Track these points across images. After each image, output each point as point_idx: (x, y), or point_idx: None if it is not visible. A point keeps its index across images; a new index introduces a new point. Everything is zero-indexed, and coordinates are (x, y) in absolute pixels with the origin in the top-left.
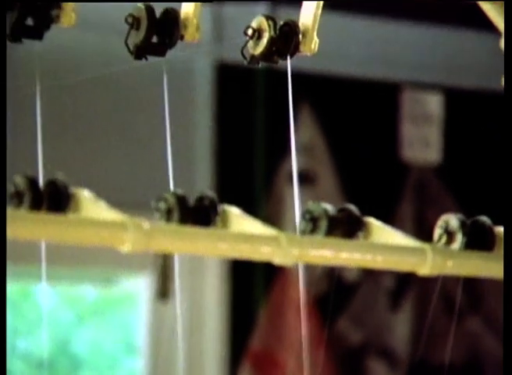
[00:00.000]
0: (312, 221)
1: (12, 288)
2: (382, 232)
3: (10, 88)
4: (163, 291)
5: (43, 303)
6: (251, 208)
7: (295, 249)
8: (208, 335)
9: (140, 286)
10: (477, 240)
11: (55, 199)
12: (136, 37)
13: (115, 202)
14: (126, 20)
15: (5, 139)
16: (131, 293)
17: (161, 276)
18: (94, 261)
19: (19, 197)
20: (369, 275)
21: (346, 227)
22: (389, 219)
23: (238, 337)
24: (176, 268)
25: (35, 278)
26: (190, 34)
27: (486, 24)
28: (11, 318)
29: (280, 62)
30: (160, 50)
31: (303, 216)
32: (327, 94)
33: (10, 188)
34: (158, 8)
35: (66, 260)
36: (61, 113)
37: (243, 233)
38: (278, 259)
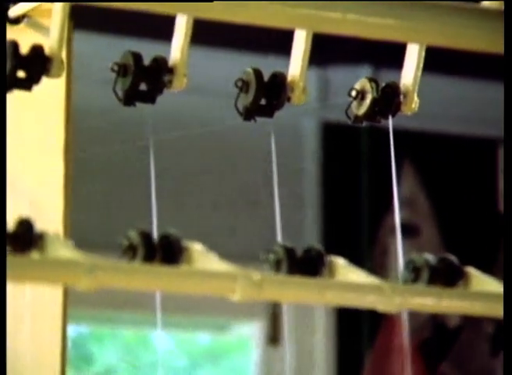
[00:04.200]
0: (414, 271)
1: (129, 334)
2: (481, 281)
3: (123, 148)
4: (274, 336)
5: (159, 348)
6: (357, 259)
7: (398, 297)
8: None
9: (251, 332)
10: None
11: (168, 252)
12: (246, 100)
13: (226, 254)
14: (235, 84)
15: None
16: (243, 339)
17: (271, 323)
18: (208, 309)
19: (132, 250)
20: (470, 321)
21: (446, 276)
22: (488, 268)
23: None
24: (286, 315)
25: (152, 325)
26: (297, 96)
27: None
28: (129, 362)
29: (382, 121)
30: (268, 111)
31: (405, 266)
32: (427, 151)
33: (124, 242)
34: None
35: (181, 308)
36: (173, 171)
37: (349, 282)
38: (382, 307)
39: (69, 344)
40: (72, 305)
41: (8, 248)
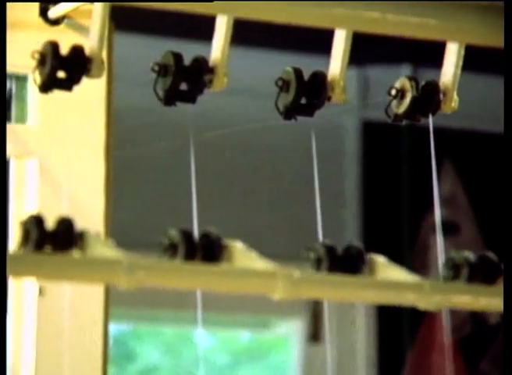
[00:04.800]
0: (454, 268)
1: (171, 332)
2: None
3: (164, 147)
4: (314, 334)
5: (200, 346)
6: (397, 257)
7: (438, 295)
8: None
9: (292, 330)
10: None
11: (208, 250)
12: (286, 99)
13: (266, 253)
14: (276, 83)
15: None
16: (284, 336)
17: (312, 320)
18: (249, 306)
19: (173, 249)
20: None
21: (486, 274)
22: None
23: None
24: (326, 312)
25: (193, 323)
26: (337, 95)
27: None
28: (171, 359)
29: (422, 119)
30: (308, 110)
31: (445, 264)
32: (467, 149)
33: (164, 241)
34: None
35: (222, 306)
36: (214, 170)
37: (389, 280)
38: (422, 305)
39: (111, 342)
40: (114, 303)
41: (48, 247)
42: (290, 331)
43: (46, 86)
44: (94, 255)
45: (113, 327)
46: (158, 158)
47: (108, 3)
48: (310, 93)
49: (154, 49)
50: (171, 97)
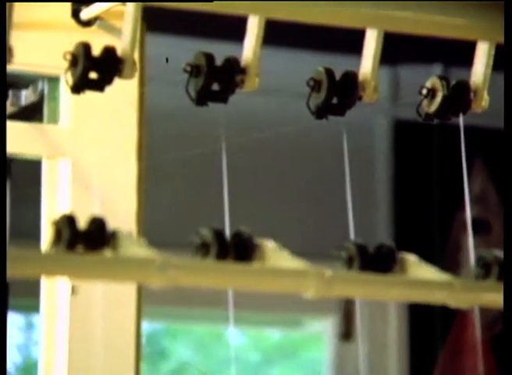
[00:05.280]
0: (485, 267)
1: (203, 330)
2: None
3: (196, 147)
4: (346, 332)
5: (232, 344)
6: (429, 256)
7: (468, 294)
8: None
9: (324, 328)
10: None
11: (240, 250)
12: (317, 99)
13: (298, 252)
14: (307, 83)
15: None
16: (316, 334)
17: (344, 319)
18: (280, 305)
19: (205, 248)
20: None
21: None
22: None
23: None
24: (358, 311)
25: (225, 321)
26: (368, 95)
27: None
28: (203, 358)
29: (453, 118)
30: (339, 110)
31: (476, 263)
32: (497, 148)
33: (196, 240)
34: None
35: (254, 304)
36: (246, 169)
37: (420, 279)
38: (453, 303)
39: (143, 340)
40: (147, 301)
41: (80, 247)
42: (322, 329)
43: (78, 87)
44: (127, 254)
45: (146, 325)
46: (191, 158)
47: (140, 3)
48: (341, 93)
49: (185, 50)
50: (203, 97)
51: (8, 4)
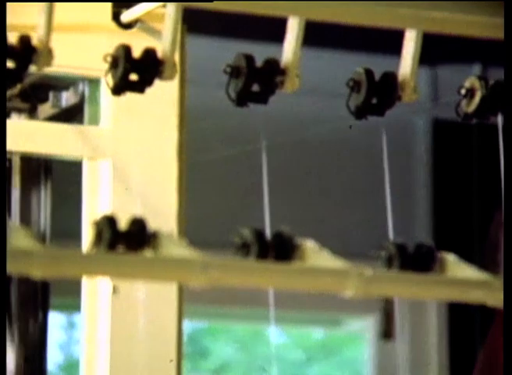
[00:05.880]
0: None
1: (244, 329)
2: None
3: (237, 147)
4: (387, 331)
5: (273, 343)
6: (468, 255)
7: None
8: (430, 373)
9: (364, 327)
10: None
11: (281, 249)
12: (357, 99)
13: (338, 252)
14: (347, 84)
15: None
16: (356, 333)
17: (384, 318)
18: (321, 304)
19: (246, 248)
20: None
21: None
22: None
23: (459, 374)
24: (398, 310)
25: (266, 320)
26: (408, 95)
27: None
28: (244, 356)
29: (492, 117)
30: (379, 110)
31: None
32: None
33: (237, 240)
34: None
35: (295, 303)
36: (285, 170)
37: (458, 278)
38: (491, 302)
39: (185, 339)
40: (188, 301)
41: (121, 247)
42: (363, 328)
43: (118, 88)
44: (168, 254)
45: (187, 325)
46: (231, 158)
47: (180, 4)
48: (380, 93)
49: (226, 51)
50: (243, 98)
51: (48, 5)
